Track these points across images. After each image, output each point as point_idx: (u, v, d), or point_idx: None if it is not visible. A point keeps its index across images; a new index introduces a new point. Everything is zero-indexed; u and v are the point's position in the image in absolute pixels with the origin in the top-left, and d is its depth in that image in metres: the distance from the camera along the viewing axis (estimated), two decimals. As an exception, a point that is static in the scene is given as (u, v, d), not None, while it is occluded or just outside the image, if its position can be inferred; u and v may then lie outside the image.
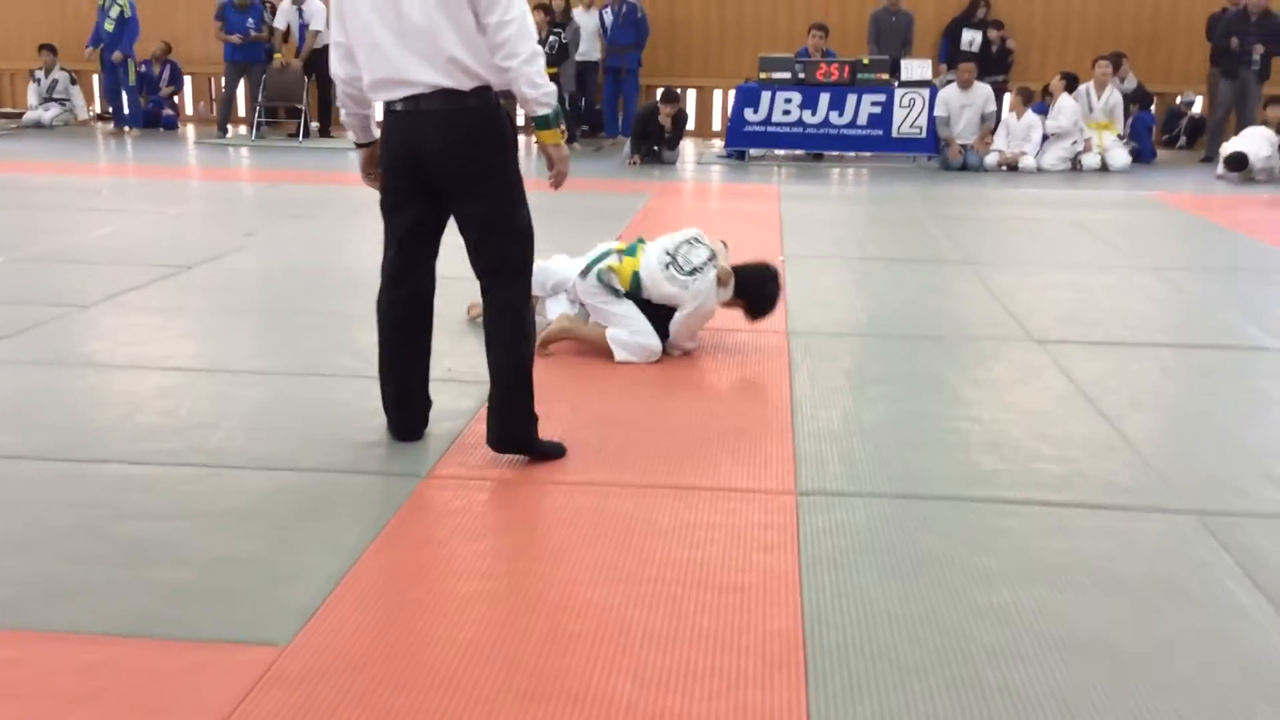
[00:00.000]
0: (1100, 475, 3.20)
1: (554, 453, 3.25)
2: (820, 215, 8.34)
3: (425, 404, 3.39)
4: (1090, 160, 11.04)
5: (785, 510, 2.92)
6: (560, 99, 3.13)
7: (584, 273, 4.35)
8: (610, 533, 2.78)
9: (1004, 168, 11.06)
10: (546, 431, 3.28)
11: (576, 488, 3.06)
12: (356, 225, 7.65)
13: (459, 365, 3.94)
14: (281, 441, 3.35)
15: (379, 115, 3.20)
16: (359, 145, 3.34)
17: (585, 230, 6.76)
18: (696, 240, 4.36)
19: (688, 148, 12.39)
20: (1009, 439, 3.47)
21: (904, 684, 2.13)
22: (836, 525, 2.84)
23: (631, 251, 4.37)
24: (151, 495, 2.95)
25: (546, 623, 2.34)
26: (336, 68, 3.16)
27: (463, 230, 3.13)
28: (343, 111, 3.28)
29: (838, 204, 9.37)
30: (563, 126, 3.17)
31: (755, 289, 4.38)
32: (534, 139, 3.21)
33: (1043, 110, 11.17)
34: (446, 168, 3.04)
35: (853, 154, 11.80)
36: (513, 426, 3.18)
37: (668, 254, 4.29)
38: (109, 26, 12.64)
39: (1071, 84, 11.20)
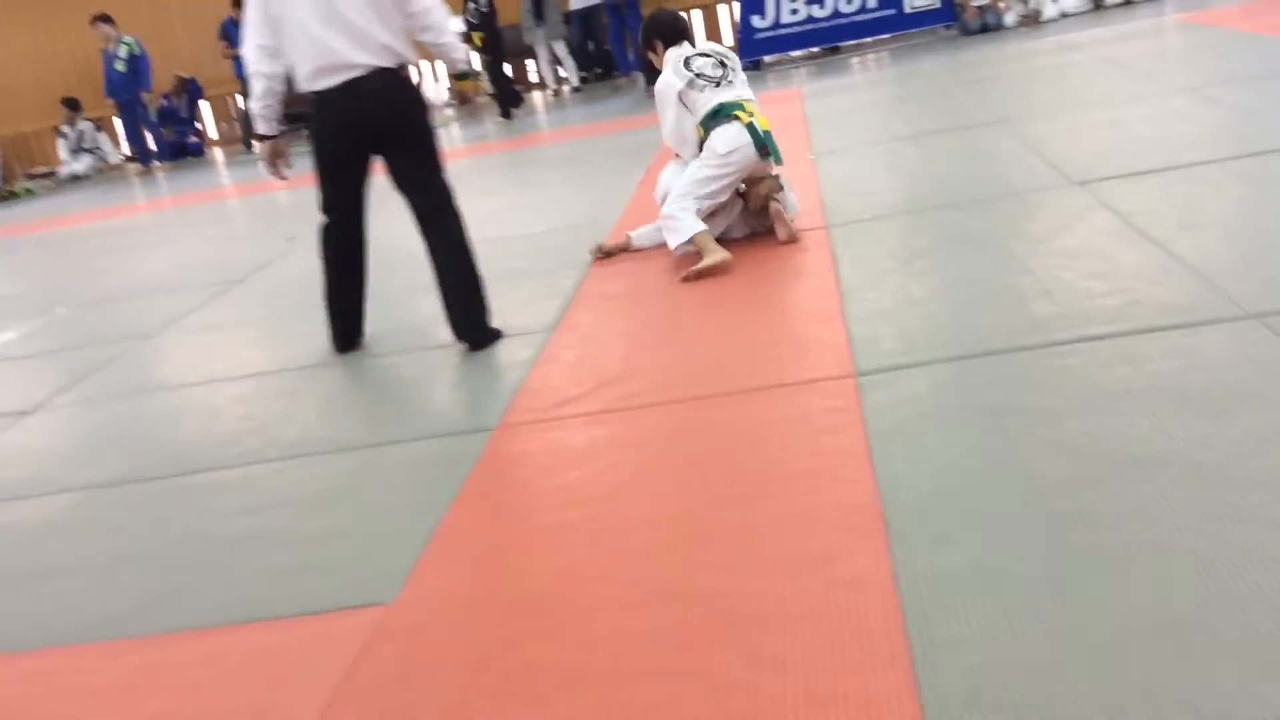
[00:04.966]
0: (1157, 299, 3.18)
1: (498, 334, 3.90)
2: (845, 107, 8.25)
3: (361, 322, 4.17)
4: (1111, -6, 10.73)
5: (846, 393, 2.95)
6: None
7: (765, 152, 4.44)
8: (683, 446, 2.84)
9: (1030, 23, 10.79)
10: (604, 358, 3.34)
11: (644, 410, 3.12)
12: (385, 213, 7.75)
13: (509, 320, 4.01)
14: (355, 423, 3.46)
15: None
16: (268, 138, 3.92)
17: (612, 170, 6.78)
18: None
19: (702, 68, 12.24)
20: (1061, 283, 3.45)
21: (983, 528, 2.17)
22: (898, 398, 2.87)
23: (737, 107, 4.52)
24: (244, 493, 3.08)
25: (632, 539, 2.41)
26: (263, 65, 3.71)
27: (395, 173, 3.85)
28: (261, 105, 3.81)
29: (861, 91, 9.24)
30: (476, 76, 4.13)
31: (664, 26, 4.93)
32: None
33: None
34: (388, 131, 3.77)
35: (869, 39, 11.60)
36: (484, 323, 3.82)
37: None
38: (120, 67, 12.85)
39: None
